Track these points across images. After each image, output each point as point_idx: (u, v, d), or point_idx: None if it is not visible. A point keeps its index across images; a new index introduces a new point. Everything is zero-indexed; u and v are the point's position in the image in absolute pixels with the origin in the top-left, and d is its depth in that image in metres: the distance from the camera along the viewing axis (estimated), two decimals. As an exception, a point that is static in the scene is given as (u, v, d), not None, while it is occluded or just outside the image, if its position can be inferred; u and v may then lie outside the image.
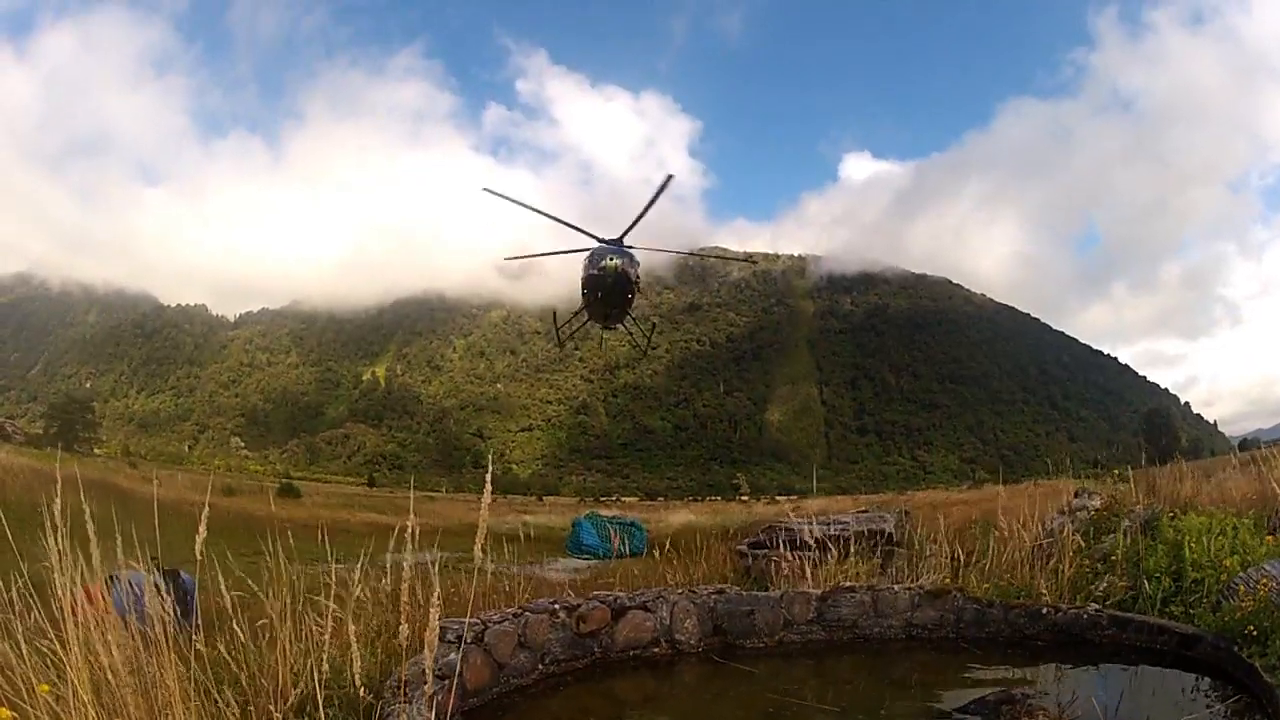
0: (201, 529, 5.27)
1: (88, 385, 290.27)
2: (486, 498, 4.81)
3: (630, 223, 29.57)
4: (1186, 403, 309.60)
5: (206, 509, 5.43)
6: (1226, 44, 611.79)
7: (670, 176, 29.84)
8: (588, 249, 30.40)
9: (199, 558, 5.35)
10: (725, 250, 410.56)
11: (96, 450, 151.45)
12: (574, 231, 30.57)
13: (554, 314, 36.80)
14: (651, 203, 29.06)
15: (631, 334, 35.02)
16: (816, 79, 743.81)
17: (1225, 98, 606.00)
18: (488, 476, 4.91)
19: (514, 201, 31.34)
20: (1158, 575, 9.06)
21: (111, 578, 5.58)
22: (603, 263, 29.26)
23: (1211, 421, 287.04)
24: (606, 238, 30.01)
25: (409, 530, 5.51)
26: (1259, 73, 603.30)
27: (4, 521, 5.36)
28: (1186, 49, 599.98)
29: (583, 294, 30.70)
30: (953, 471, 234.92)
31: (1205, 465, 16.80)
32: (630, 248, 30.01)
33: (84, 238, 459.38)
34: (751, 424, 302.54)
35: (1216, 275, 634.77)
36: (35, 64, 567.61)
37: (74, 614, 5.03)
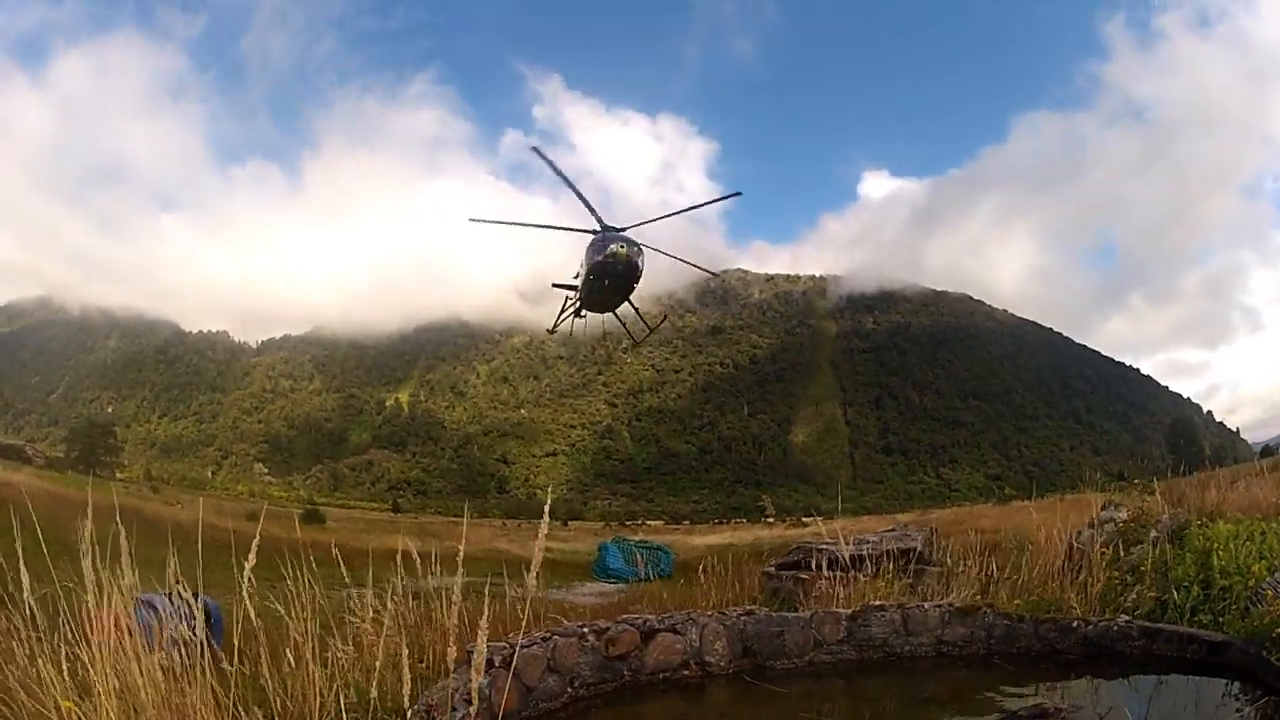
0: (252, 558, 5.29)
1: (109, 410, 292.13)
2: (544, 528, 4.79)
3: (654, 218, 29.96)
4: (1209, 411, 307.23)
5: (257, 538, 5.45)
6: (1236, 46, 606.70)
7: (738, 193, 29.64)
8: (586, 230, 30.42)
9: (246, 583, 5.36)
10: (746, 272, 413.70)
11: (118, 475, 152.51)
12: (559, 232, 30.71)
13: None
14: (696, 207, 28.86)
15: (624, 324, 34.79)
16: (832, 98, 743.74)
17: (1236, 101, 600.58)
18: (546, 509, 4.92)
19: (501, 223, 31.59)
20: (1186, 584, 9.03)
21: (138, 601, 5.58)
22: (612, 249, 29.03)
23: (1234, 429, 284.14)
24: (612, 225, 29.89)
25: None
26: (1269, 74, 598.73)
27: (42, 542, 5.37)
28: (1196, 54, 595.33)
29: (586, 280, 30.42)
30: (978, 489, 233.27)
31: (1230, 473, 16.64)
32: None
33: (103, 263, 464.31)
34: (776, 445, 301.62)
35: (1235, 282, 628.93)
36: (49, 90, 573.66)
37: (101, 635, 5.02)
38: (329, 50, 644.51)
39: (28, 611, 5.47)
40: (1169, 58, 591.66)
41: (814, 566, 12.94)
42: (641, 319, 34.05)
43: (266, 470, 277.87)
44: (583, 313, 33.90)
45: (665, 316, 36.38)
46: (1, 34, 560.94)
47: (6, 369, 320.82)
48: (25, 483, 39.90)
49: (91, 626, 5.15)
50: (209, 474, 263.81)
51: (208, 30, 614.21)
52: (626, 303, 31.73)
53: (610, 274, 29.37)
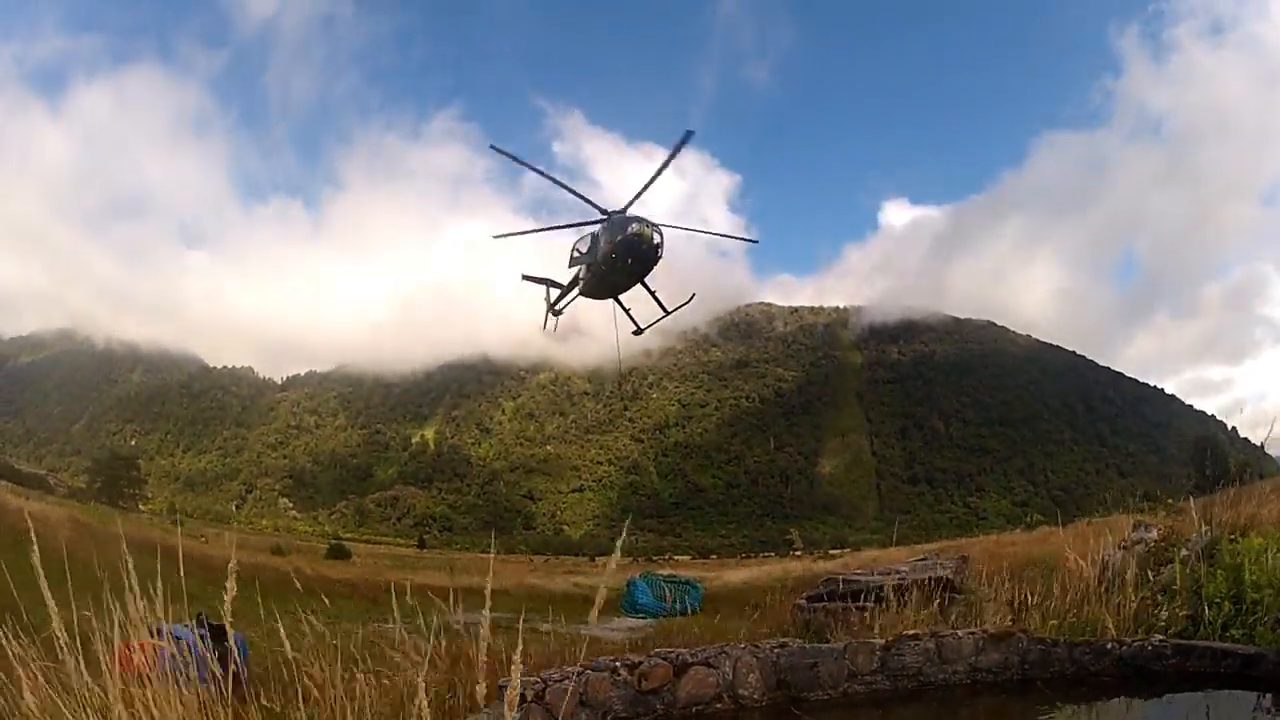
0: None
1: (132, 442, 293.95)
2: (612, 564, 4.75)
3: (640, 189, 28.81)
4: (1233, 428, 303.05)
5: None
6: (1249, 52, 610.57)
7: (690, 132, 28.73)
8: (590, 221, 30.06)
9: (274, 615, 5.33)
10: (770, 305, 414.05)
11: (142, 507, 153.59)
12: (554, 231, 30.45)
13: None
14: (664, 166, 28.10)
15: (627, 311, 33.36)
16: (850, 127, 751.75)
17: (1252, 108, 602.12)
18: (618, 545, 4.89)
19: (524, 233, 31.24)
20: (1218, 600, 8.99)
21: (164, 632, 5.54)
22: (635, 227, 28.56)
23: (1259, 444, 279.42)
24: (612, 210, 29.39)
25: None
26: None
27: (68, 573, 5.35)
28: (1210, 62, 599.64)
29: (606, 259, 29.64)
30: (1005, 516, 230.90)
31: (1259, 488, 16.48)
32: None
33: (127, 296, 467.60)
34: (803, 478, 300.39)
35: (1257, 294, 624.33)
36: (70, 121, 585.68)
37: (121, 666, 4.99)
38: (350, 87, 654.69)
39: (59, 640, 5.44)
40: (1183, 68, 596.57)
41: (845, 598, 12.89)
42: (659, 302, 32.47)
43: (291, 505, 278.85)
44: (554, 306, 34.06)
45: (693, 296, 35.38)
46: (19, 63, 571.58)
47: (30, 398, 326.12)
48: (48, 512, 40.05)
49: (118, 657, 5.11)
50: (233, 508, 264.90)
51: (229, 66, 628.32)
52: (640, 284, 31.15)
53: (634, 252, 28.94)
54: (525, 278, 36.45)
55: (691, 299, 35.05)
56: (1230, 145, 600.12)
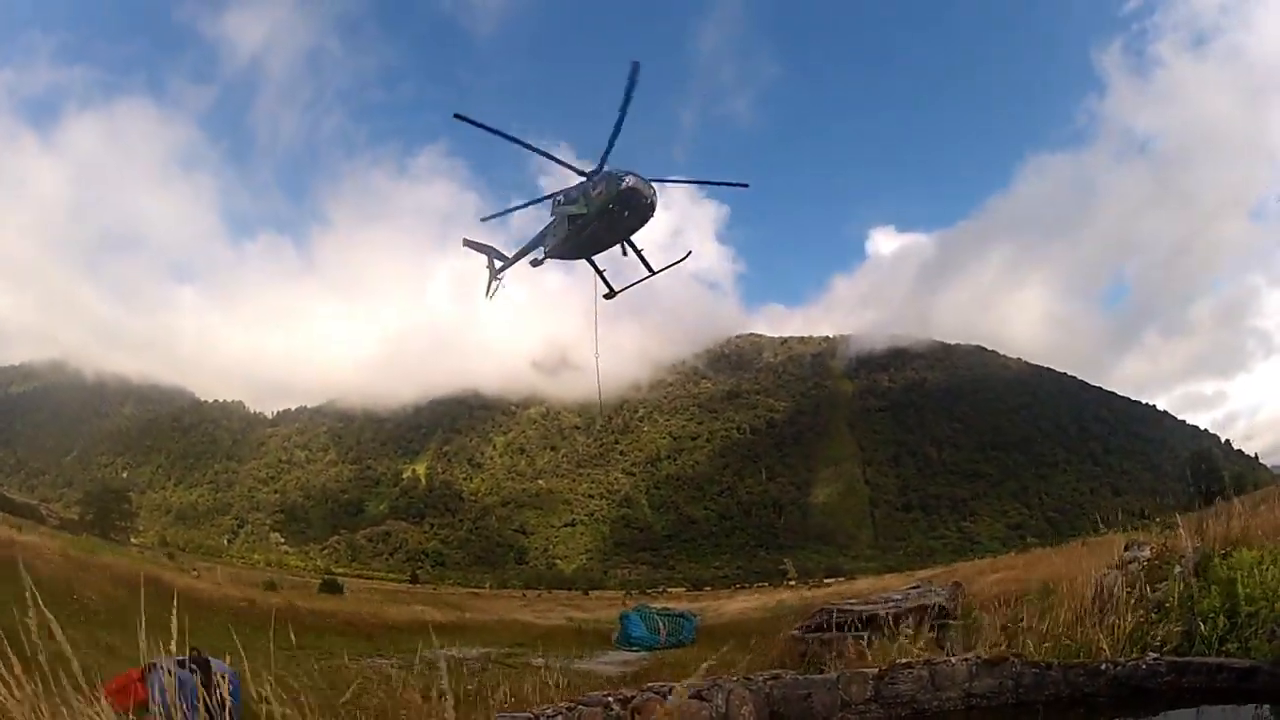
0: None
1: (124, 475, 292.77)
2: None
3: (609, 139, 26.98)
4: (1227, 440, 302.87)
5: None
6: (1232, 64, 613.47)
7: (636, 63, 25.86)
8: (574, 169, 28.48)
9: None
10: (759, 336, 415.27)
11: (133, 539, 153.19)
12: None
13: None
14: (625, 105, 25.98)
15: (601, 274, 31.65)
16: (834, 156, 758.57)
17: (1238, 122, 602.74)
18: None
19: (487, 129, 29.93)
20: (1212, 615, 9.02)
21: (153, 666, 5.51)
22: (632, 180, 27.06)
23: (1252, 455, 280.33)
24: (588, 170, 28.05)
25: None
26: (1268, 90, 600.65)
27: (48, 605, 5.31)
28: (1194, 77, 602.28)
29: (597, 214, 27.92)
30: (1000, 539, 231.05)
31: (1251, 500, 16.51)
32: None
33: (118, 330, 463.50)
34: (796, 508, 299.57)
35: (1247, 307, 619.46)
36: (61, 152, 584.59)
37: (115, 700, 4.96)
38: (337, 124, 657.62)
39: (64, 672, 5.40)
40: (1167, 84, 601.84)
41: (839, 627, 12.87)
42: (645, 261, 30.30)
43: (283, 540, 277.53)
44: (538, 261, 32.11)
45: (689, 254, 34.06)
46: (11, 93, 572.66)
47: (22, 428, 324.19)
48: (40, 544, 39.67)
49: (112, 691, 5.08)
50: (225, 542, 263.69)
51: (219, 102, 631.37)
52: (626, 243, 29.47)
53: (632, 204, 27.43)
54: (467, 243, 35.47)
55: (687, 256, 33.56)
56: (1218, 161, 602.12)
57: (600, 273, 31.57)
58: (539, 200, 31.18)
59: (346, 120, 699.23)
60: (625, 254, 29.48)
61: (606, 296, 32.10)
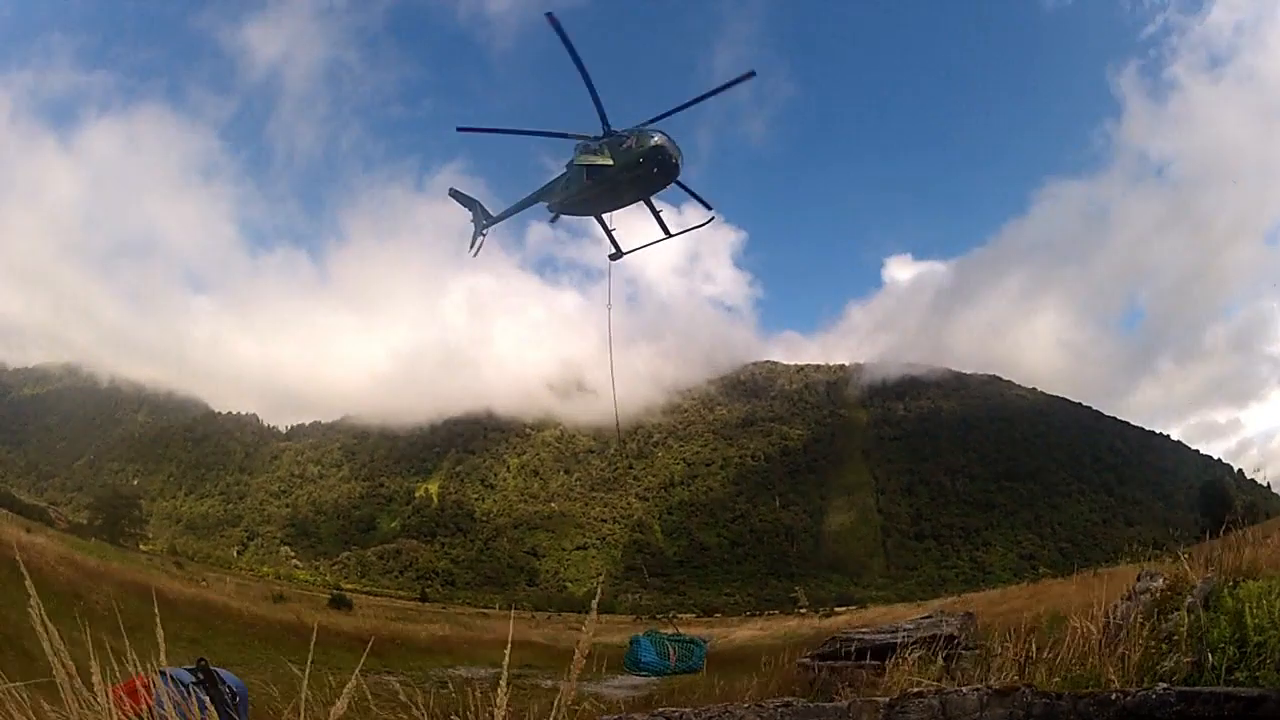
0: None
1: (135, 482, 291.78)
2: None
3: (593, 101, 27.11)
4: (1239, 470, 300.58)
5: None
6: (1247, 86, 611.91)
7: (550, 14, 26.72)
8: (571, 134, 28.60)
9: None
10: (775, 364, 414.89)
11: (142, 547, 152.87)
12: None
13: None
14: (574, 56, 26.28)
15: (609, 232, 31.48)
16: (850, 180, 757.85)
17: (1254, 145, 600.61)
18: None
19: (491, 131, 29.59)
20: (1221, 645, 9.01)
21: (160, 674, 5.47)
22: (660, 139, 27.06)
23: (1264, 484, 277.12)
24: (608, 130, 27.77)
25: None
26: None
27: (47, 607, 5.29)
28: (1209, 99, 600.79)
29: (625, 168, 27.58)
30: (1012, 569, 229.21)
31: (1262, 529, 16.43)
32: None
33: (133, 337, 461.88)
34: (808, 536, 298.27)
35: (1262, 334, 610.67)
36: (79, 157, 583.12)
37: (119, 707, 4.94)
38: (355, 138, 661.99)
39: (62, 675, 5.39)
40: (1183, 107, 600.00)
41: (850, 656, 12.80)
42: (662, 223, 30.83)
43: (293, 554, 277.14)
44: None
45: (712, 217, 33.66)
46: (32, 95, 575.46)
47: (33, 430, 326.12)
48: (44, 545, 39.59)
49: (116, 698, 5.05)
50: (234, 553, 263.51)
51: (238, 113, 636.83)
52: (645, 202, 29.66)
53: (661, 162, 27.46)
54: (453, 193, 35.36)
55: (710, 220, 32.66)
56: (1231, 185, 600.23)
57: (609, 231, 31.46)
58: (531, 132, 30.84)
59: (364, 134, 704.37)
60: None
61: (613, 257, 32.30)
